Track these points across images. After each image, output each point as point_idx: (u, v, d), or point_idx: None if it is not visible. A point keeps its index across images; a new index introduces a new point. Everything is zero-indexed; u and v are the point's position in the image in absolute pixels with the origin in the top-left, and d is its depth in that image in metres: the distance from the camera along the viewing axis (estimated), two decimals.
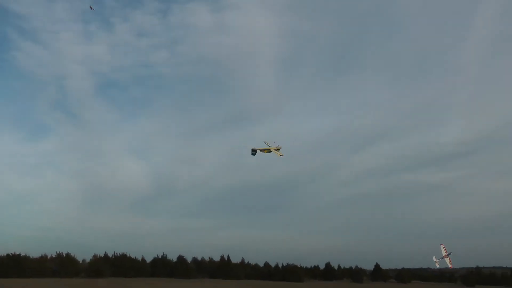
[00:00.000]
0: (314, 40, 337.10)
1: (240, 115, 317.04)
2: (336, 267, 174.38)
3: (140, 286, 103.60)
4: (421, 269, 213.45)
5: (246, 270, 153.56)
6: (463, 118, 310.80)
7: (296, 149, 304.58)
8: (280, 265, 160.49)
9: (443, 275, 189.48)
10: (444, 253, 60.71)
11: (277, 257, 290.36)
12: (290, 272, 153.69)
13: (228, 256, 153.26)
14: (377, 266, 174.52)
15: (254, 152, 51.17)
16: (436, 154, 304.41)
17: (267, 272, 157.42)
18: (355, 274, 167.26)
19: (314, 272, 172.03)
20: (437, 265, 64.96)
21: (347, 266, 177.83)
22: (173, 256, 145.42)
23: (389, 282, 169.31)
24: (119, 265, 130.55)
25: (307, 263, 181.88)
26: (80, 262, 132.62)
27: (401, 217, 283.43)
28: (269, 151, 52.05)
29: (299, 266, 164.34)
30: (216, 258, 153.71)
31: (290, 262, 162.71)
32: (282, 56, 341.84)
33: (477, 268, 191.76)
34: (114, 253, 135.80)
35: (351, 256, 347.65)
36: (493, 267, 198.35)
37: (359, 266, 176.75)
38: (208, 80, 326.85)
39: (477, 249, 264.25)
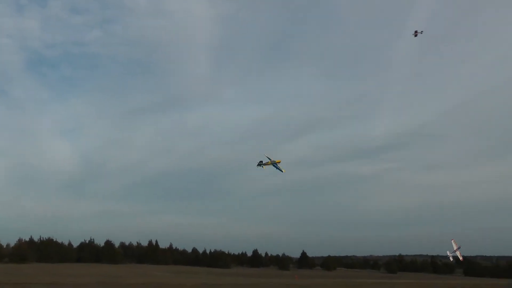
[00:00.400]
0: (251, 28, 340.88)
1: (174, 99, 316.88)
2: (263, 254, 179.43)
3: (65, 272, 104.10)
4: (346, 257, 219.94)
5: (174, 256, 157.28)
6: (394, 113, 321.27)
7: (228, 136, 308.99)
8: (208, 251, 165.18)
9: (367, 262, 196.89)
10: (455, 247, 65.69)
11: (205, 243, 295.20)
12: (217, 258, 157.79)
13: (156, 241, 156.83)
14: (303, 254, 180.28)
15: (260, 164, 54.04)
16: (366, 146, 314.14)
17: (195, 257, 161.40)
18: (281, 261, 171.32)
19: (241, 259, 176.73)
20: (451, 259, 70.41)
21: (274, 254, 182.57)
22: (100, 241, 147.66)
23: (315, 269, 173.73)
24: (44, 250, 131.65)
25: (235, 249, 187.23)
26: (4, 246, 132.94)
27: (329, 206, 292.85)
28: (271, 164, 54.90)
29: (226, 252, 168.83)
30: (144, 243, 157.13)
31: (218, 249, 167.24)
32: (218, 42, 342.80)
33: (400, 255, 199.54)
34: (40, 238, 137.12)
35: (279, 244, 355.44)
36: (414, 255, 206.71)
37: (286, 254, 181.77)
38: (143, 63, 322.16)
39: (400, 238, 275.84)
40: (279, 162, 54.74)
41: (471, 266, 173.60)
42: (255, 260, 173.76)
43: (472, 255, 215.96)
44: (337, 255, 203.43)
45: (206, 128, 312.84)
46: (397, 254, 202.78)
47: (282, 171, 54.65)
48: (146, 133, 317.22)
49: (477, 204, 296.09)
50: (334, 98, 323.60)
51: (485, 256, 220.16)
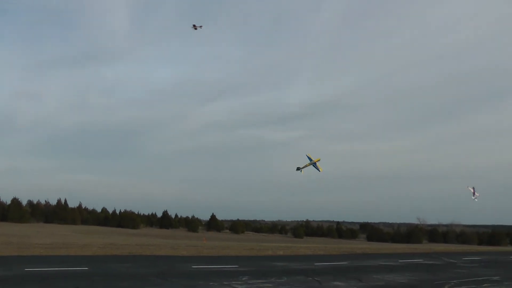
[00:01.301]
0: None
1: (89, 53, 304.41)
2: (173, 216, 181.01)
3: None
4: (255, 221, 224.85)
5: (83, 215, 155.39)
6: (310, 83, 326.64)
7: (144, 95, 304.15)
8: (117, 211, 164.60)
9: (275, 227, 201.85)
10: (472, 191, 66.76)
11: (116, 203, 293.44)
12: (127, 219, 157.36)
13: (65, 200, 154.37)
14: (213, 216, 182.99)
15: (299, 168, 51.10)
16: (281, 114, 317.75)
17: (104, 217, 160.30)
18: (191, 223, 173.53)
19: (151, 220, 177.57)
20: (476, 200, 70.97)
21: (184, 216, 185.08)
22: (7, 199, 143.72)
23: (224, 232, 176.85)
24: None
25: (145, 210, 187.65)
26: None
27: (241, 171, 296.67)
28: (311, 164, 51.50)
29: (136, 213, 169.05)
30: (53, 202, 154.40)
31: (128, 209, 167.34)
32: None
33: (307, 221, 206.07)
34: None
35: (189, 206, 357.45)
36: (321, 221, 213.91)
37: (196, 216, 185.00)
38: (57, 13, 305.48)
39: (308, 204, 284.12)
40: (319, 160, 52.67)
41: (374, 231, 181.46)
42: (165, 221, 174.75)
43: (375, 221, 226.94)
44: (246, 219, 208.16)
45: (121, 85, 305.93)
46: (304, 220, 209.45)
47: (319, 171, 52.80)
48: (57, 87, 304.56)
49: (383, 174, 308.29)
50: (251, 64, 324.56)
51: (388, 223, 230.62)
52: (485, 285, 24.11)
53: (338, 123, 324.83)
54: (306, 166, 51.39)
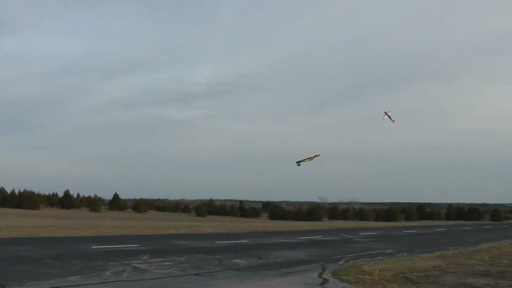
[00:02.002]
0: None
1: None
2: (75, 195, 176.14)
3: None
4: (158, 200, 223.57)
5: None
6: (216, 62, 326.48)
7: (45, 69, 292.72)
8: (16, 191, 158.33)
9: (179, 206, 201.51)
10: (388, 116, 63.65)
11: (14, 183, 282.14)
12: (26, 199, 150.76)
13: None
14: (115, 196, 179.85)
15: (299, 163, 47.99)
16: (186, 92, 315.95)
17: (3, 198, 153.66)
18: (93, 203, 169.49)
19: (52, 200, 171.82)
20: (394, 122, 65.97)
21: (86, 195, 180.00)
22: None
23: (126, 211, 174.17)
24: None
25: (46, 190, 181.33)
26: None
27: (144, 149, 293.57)
28: (311, 158, 48.66)
29: (36, 193, 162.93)
30: None
31: (28, 189, 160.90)
32: None
33: (210, 200, 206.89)
34: None
35: (91, 185, 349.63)
36: (224, 200, 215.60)
37: (98, 196, 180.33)
38: None
39: (212, 183, 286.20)
40: (318, 156, 50.77)
41: (276, 210, 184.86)
42: (66, 201, 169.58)
43: (278, 200, 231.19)
44: (149, 198, 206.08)
45: (21, 58, 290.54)
46: (207, 199, 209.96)
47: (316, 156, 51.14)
48: None
49: (286, 154, 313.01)
50: (157, 40, 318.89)
51: (290, 201, 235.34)
52: (379, 257, 25.24)
53: (242, 103, 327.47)
54: (305, 160, 51.46)
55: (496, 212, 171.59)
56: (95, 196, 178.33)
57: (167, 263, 20.12)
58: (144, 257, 21.60)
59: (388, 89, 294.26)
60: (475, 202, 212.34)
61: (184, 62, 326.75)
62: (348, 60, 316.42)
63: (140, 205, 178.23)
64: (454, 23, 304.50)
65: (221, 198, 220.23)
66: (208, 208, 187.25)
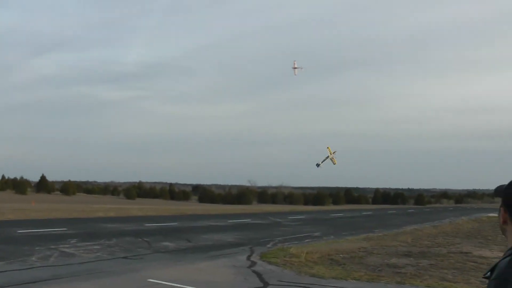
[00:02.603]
0: None
1: None
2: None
3: None
4: (87, 182, 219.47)
5: None
6: (148, 42, 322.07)
7: None
8: None
9: (108, 188, 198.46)
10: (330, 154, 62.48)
11: None
12: None
13: None
14: (43, 177, 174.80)
15: (318, 164, 44.77)
16: (116, 72, 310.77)
17: None
18: (19, 185, 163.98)
19: None
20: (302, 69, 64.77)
21: (11, 177, 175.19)
22: None
23: (54, 194, 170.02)
24: None
25: None
26: None
27: (72, 129, 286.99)
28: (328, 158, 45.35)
29: None
30: None
31: None
32: None
33: (140, 182, 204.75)
34: None
35: (17, 166, 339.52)
36: (154, 182, 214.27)
37: (25, 177, 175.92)
38: None
39: (141, 166, 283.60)
40: (335, 152, 48.03)
41: (206, 193, 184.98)
42: None
43: (208, 183, 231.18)
44: (78, 180, 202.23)
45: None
46: (137, 181, 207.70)
47: (334, 164, 48.53)
48: None
49: (216, 137, 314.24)
50: (87, 18, 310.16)
51: (220, 184, 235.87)
52: (306, 240, 25.89)
53: (173, 85, 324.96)
54: (324, 160, 49.91)
55: (420, 197, 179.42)
56: (21, 178, 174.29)
57: (95, 246, 19.98)
58: (72, 241, 21.35)
59: (319, 75, 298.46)
60: (400, 187, 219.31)
61: (116, 41, 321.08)
62: (280, 46, 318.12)
63: (68, 188, 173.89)
64: (387, 16, 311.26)
65: (151, 180, 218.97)
66: (138, 191, 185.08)
